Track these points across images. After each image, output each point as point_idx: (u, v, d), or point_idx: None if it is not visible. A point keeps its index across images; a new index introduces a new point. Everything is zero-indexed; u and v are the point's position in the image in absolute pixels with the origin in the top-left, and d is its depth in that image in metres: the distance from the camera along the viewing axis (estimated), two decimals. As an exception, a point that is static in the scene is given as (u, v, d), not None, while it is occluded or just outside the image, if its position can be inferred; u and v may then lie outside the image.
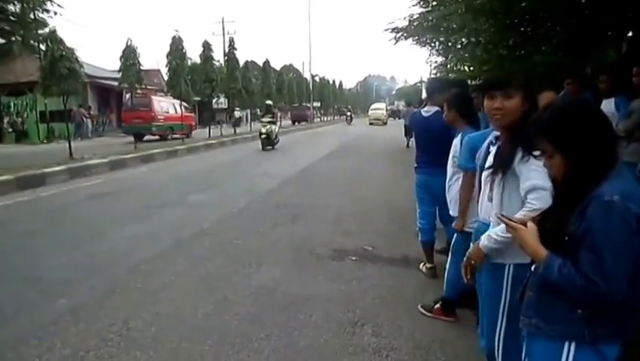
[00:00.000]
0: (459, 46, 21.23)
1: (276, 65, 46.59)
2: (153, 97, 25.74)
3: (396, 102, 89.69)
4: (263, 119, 20.58)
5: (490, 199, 2.64)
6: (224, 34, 45.69)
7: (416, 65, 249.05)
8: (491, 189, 2.63)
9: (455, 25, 20.68)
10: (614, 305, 1.79)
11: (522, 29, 11.40)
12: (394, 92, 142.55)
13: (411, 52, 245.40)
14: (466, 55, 17.97)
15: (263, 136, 19.79)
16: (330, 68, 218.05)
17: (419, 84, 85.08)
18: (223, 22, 48.07)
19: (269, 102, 22.37)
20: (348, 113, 52.64)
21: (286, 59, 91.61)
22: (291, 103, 46.84)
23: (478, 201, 2.87)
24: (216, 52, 26.68)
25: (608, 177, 1.81)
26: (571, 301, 1.86)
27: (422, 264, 5.54)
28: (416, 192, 5.41)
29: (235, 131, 29.03)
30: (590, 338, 1.88)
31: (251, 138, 24.92)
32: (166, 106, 25.55)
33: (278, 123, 21.03)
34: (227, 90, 27.49)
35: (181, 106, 24.74)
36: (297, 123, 46.13)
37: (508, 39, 11.60)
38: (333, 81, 65.86)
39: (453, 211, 4.23)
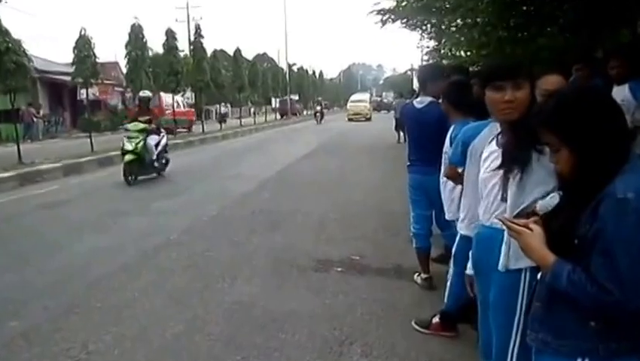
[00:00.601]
0: (454, 28, 21.35)
1: (249, 54, 46.16)
2: (161, 93, 27.04)
3: (384, 93, 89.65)
4: (129, 127, 13.12)
5: (504, 199, 2.53)
6: (188, 21, 45.35)
7: (405, 51, 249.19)
8: (504, 190, 2.51)
9: (448, 5, 20.83)
10: (630, 316, 1.73)
11: (525, 8, 11.33)
12: (381, 82, 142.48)
13: (400, 37, 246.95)
14: (462, 38, 17.96)
15: (127, 158, 12.47)
16: (309, 56, 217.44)
17: (409, 72, 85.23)
18: (187, 7, 47.72)
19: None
20: (318, 108, 44.40)
21: (259, 48, 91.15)
22: (265, 96, 46.63)
23: (461, 200, 2.80)
24: (181, 41, 26.50)
25: (622, 171, 1.76)
26: (582, 312, 1.81)
27: (417, 274, 5.45)
28: (409, 194, 5.35)
29: (221, 127, 29.11)
30: (605, 354, 1.81)
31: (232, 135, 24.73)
32: (170, 102, 27.51)
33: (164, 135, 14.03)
34: (193, 83, 27.26)
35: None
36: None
37: (509, 19, 11.53)
38: (313, 71, 65.42)
39: (449, 214, 4.20)
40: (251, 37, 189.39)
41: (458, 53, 19.49)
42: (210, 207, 9.58)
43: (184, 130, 29.48)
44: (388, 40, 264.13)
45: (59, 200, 10.75)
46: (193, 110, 33.54)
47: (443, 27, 22.63)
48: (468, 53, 17.02)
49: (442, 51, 24.19)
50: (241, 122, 35.28)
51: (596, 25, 9.64)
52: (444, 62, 25.83)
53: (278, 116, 50.47)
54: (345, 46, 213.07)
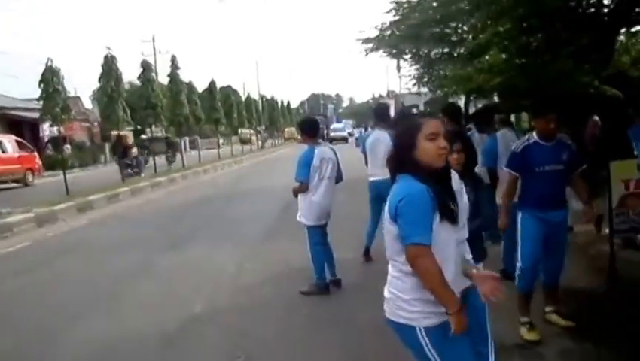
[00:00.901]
0: (445, 56, 20.56)
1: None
2: None
3: (343, 121, 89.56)
4: None
5: None
6: (155, 55, 43.99)
7: (363, 81, 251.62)
8: None
9: (437, 31, 20.01)
10: None
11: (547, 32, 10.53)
12: (340, 110, 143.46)
13: (359, 67, 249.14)
14: (457, 66, 17.19)
15: None
16: (272, 86, 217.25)
17: (371, 101, 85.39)
18: (153, 40, 46.33)
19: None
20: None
21: (222, 80, 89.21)
22: (233, 127, 45.27)
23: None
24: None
25: None
26: None
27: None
28: None
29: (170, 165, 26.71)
30: None
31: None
32: None
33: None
34: (172, 117, 25.55)
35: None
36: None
37: (531, 44, 10.64)
38: (282, 101, 65.05)
39: None
40: (209, 69, 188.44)
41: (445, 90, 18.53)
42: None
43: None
44: (345, 71, 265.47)
45: (34, 262, 8.99)
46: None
47: (432, 55, 22.00)
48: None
49: (425, 79, 23.48)
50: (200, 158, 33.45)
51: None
52: (424, 90, 25.23)
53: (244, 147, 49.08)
54: (305, 76, 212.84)
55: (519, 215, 4.83)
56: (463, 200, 3.40)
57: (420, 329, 2.68)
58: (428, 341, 2.67)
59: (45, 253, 9.65)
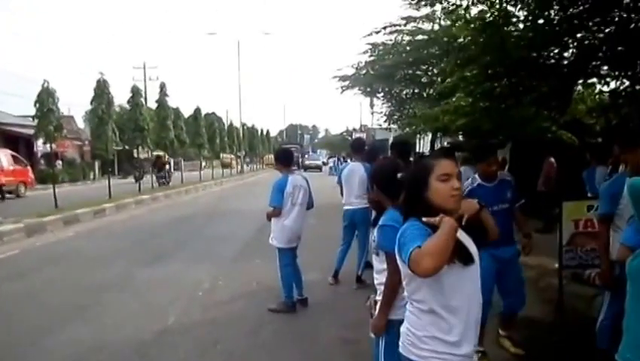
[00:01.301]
0: (415, 96, 20.79)
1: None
2: None
3: (318, 150, 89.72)
4: None
5: None
6: (145, 80, 43.69)
7: (337, 114, 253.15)
8: None
9: (409, 74, 20.29)
10: None
11: (506, 80, 10.71)
12: (316, 141, 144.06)
13: (334, 102, 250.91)
14: (426, 106, 17.36)
15: None
16: (252, 116, 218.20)
17: (345, 134, 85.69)
18: (144, 67, 46.00)
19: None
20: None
21: (208, 107, 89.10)
22: (215, 152, 45.02)
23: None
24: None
25: None
26: None
27: None
28: None
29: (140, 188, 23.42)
30: None
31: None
32: None
33: None
34: (158, 140, 25.33)
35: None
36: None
37: (496, 89, 10.79)
38: (261, 130, 64.94)
39: None
40: (199, 96, 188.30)
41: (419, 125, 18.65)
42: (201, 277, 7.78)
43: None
44: (322, 104, 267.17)
45: (23, 269, 8.73)
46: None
47: (403, 95, 22.24)
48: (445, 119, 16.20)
49: (395, 116, 23.66)
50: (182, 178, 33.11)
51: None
52: (395, 126, 25.44)
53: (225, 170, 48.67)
54: (284, 108, 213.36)
55: None
56: None
57: None
58: None
59: (32, 262, 9.39)
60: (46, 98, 15.94)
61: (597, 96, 10.40)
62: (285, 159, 6.66)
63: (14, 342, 5.35)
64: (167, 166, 29.92)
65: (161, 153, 29.42)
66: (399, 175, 3.31)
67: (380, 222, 3.33)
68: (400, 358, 2.71)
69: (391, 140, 29.02)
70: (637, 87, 7.54)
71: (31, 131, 21.11)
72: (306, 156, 64.78)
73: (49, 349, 5.18)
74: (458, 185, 2.37)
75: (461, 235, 2.37)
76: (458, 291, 2.38)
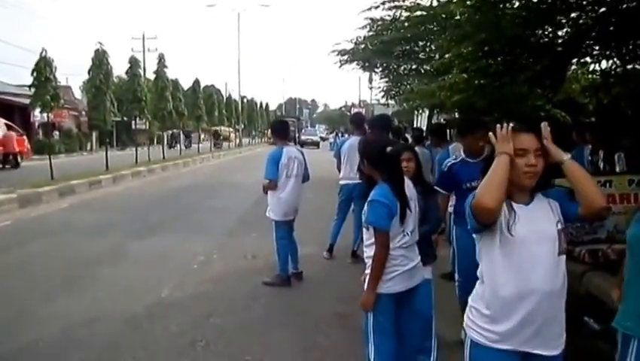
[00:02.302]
0: (413, 72, 20.70)
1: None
2: None
3: (317, 125, 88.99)
4: None
5: None
6: (144, 51, 43.25)
7: (336, 89, 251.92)
8: None
9: (406, 49, 20.18)
10: None
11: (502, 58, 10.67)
12: (314, 115, 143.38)
13: (333, 77, 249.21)
14: (423, 82, 17.28)
15: None
16: (252, 88, 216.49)
17: (344, 109, 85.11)
18: (143, 38, 45.49)
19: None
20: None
21: (207, 79, 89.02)
22: (220, 125, 44.96)
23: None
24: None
25: None
26: None
27: None
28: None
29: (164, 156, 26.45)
30: None
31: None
32: None
33: None
34: (156, 111, 25.24)
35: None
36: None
37: (490, 66, 10.76)
38: (261, 103, 64.32)
39: None
40: (196, 68, 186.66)
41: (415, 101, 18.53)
42: (198, 251, 7.86)
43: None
44: (321, 79, 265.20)
45: (14, 240, 8.77)
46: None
47: (401, 70, 22.09)
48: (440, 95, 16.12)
49: (393, 92, 23.55)
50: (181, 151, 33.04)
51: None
52: (393, 102, 25.33)
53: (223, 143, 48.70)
54: (284, 81, 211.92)
55: (454, 230, 4.73)
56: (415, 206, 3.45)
57: (468, 338, 2.50)
58: (469, 353, 2.49)
59: (24, 233, 9.40)
60: (43, 67, 15.81)
61: (590, 76, 10.38)
62: (282, 131, 6.70)
63: (4, 315, 5.38)
64: (222, 137, 46.02)
65: (218, 128, 45.04)
66: (388, 149, 3.39)
67: (370, 197, 3.38)
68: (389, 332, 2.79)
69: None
70: (628, 67, 7.53)
71: (27, 101, 21.00)
72: (303, 130, 59.27)
73: (38, 321, 5.22)
74: (534, 162, 2.29)
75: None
76: None
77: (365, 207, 3.39)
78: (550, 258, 2.28)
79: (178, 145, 34.79)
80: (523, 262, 2.28)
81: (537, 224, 2.30)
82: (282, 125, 6.94)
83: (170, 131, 39.31)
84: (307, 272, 6.66)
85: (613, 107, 7.66)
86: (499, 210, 2.22)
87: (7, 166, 21.47)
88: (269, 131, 6.81)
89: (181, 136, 37.53)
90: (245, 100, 55.36)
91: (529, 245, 2.27)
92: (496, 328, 2.33)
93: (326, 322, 5.27)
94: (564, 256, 2.30)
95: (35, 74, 15.89)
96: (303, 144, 42.98)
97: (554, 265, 2.28)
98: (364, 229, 3.46)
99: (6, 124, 22.67)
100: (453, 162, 4.57)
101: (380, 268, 3.30)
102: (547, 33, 8.16)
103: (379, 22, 20.23)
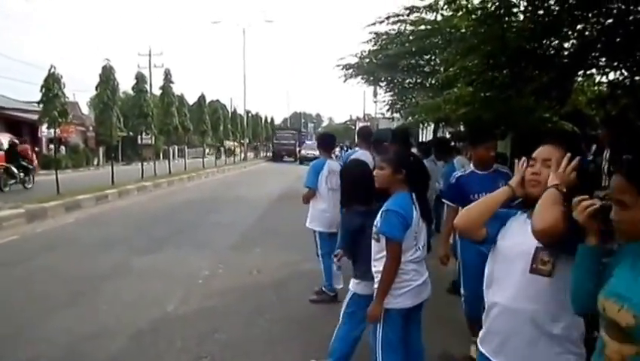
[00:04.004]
0: (417, 85, 20.71)
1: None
2: None
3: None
4: None
5: None
6: (150, 67, 43.55)
7: (341, 104, 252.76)
8: None
9: (412, 63, 20.20)
10: None
11: (507, 71, 10.65)
12: (320, 129, 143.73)
13: (338, 91, 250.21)
14: (428, 96, 17.28)
15: None
16: (257, 102, 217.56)
17: (348, 122, 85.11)
18: (150, 54, 45.84)
19: None
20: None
21: (212, 94, 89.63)
22: (219, 139, 45.05)
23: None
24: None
25: None
26: None
27: None
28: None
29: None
30: None
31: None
32: None
33: None
34: (162, 126, 25.31)
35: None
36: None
37: (496, 79, 10.73)
38: (265, 117, 64.42)
39: None
40: (202, 83, 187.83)
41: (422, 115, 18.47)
42: (202, 266, 7.79)
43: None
44: (325, 93, 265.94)
45: (21, 255, 8.72)
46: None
47: (406, 84, 22.10)
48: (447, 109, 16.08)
49: (398, 106, 23.55)
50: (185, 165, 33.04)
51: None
52: (397, 115, 25.33)
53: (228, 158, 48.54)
54: (287, 95, 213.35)
55: (459, 244, 4.59)
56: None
57: None
58: None
59: (30, 248, 9.34)
60: (52, 84, 15.89)
61: (596, 87, 10.32)
62: (326, 144, 6.86)
63: (8, 330, 5.32)
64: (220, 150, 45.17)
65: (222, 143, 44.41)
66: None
67: (385, 207, 3.29)
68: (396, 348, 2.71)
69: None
70: (636, 78, 7.47)
71: (35, 117, 21.03)
72: (304, 144, 50.42)
73: (43, 337, 5.15)
74: (537, 170, 2.30)
75: None
76: None
77: (378, 217, 3.31)
78: (518, 275, 2.22)
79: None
80: (500, 273, 2.32)
81: (522, 238, 2.24)
82: (327, 139, 7.01)
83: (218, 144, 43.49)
84: (314, 287, 6.55)
85: (621, 118, 7.58)
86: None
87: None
88: (317, 143, 7.44)
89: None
90: (249, 115, 55.39)
91: (507, 258, 2.29)
92: (482, 330, 2.44)
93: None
94: (541, 278, 2.17)
95: (43, 90, 15.97)
96: (302, 160, 39.64)
97: (524, 283, 2.20)
98: (374, 241, 3.36)
99: (17, 140, 22.73)
100: (462, 174, 4.50)
101: (390, 281, 3.22)
102: (552, 45, 8.13)
103: (384, 37, 20.29)
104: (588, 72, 8.67)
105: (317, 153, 27.08)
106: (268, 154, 59.30)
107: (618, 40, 6.79)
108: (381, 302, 3.25)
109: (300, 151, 46.18)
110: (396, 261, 3.20)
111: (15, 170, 18.59)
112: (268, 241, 9.62)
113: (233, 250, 9.15)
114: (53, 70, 15.99)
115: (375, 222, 3.33)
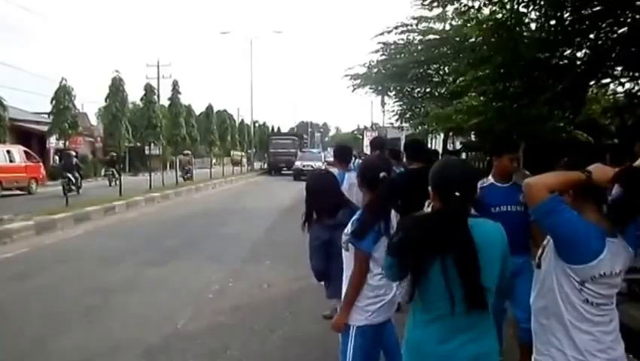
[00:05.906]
0: (427, 95, 20.64)
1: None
2: None
3: (328, 148, 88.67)
4: None
5: None
6: (158, 78, 43.59)
7: (347, 113, 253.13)
8: None
9: (420, 73, 20.15)
10: None
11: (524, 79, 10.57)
12: (327, 139, 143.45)
13: (344, 101, 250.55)
14: (438, 105, 17.21)
15: None
16: (263, 112, 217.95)
17: (356, 132, 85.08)
18: (158, 65, 45.94)
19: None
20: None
21: (219, 104, 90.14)
22: (226, 149, 45.08)
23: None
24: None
25: None
26: None
27: None
28: None
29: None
30: None
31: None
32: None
33: None
34: (170, 137, 25.39)
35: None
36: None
37: (509, 89, 10.65)
38: (272, 127, 64.58)
39: None
40: (211, 93, 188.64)
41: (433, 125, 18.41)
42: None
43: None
44: (333, 103, 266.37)
45: (31, 268, 8.69)
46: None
47: (415, 94, 22.03)
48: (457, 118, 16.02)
49: (407, 115, 23.45)
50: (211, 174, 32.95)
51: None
52: (406, 125, 25.24)
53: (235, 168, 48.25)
54: (294, 104, 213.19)
55: None
56: None
57: None
58: None
59: (40, 261, 9.32)
60: (63, 96, 16.00)
61: (611, 97, 10.23)
62: (343, 156, 6.50)
63: (19, 346, 5.28)
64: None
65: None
66: None
67: (356, 216, 3.22)
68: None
69: (403, 139, 28.86)
70: None
71: (44, 128, 21.17)
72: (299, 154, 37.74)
73: (54, 353, 5.11)
74: None
75: None
76: None
77: (349, 225, 3.19)
78: None
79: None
80: None
81: None
82: (343, 151, 6.63)
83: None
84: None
85: (637, 127, 7.51)
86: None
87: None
88: (333, 155, 7.28)
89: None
90: (256, 124, 55.47)
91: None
92: None
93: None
94: None
95: (54, 102, 16.07)
96: (297, 175, 29.71)
97: None
98: (344, 251, 3.25)
99: (25, 151, 22.86)
100: (481, 185, 4.35)
101: (355, 292, 3.16)
102: (565, 55, 8.06)
103: (392, 47, 20.26)
104: (602, 81, 8.59)
105: (316, 163, 26.16)
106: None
107: (633, 49, 6.72)
108: (346, 312, 3.19)
109: (294, 162, 34.76)
110: (363, 272, 3.13)
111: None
112: (278, 254, 9.53)
113: (243, 263, 9.08)
114: (64, 82, 16.10)
115: (345, 231, 3.23)
